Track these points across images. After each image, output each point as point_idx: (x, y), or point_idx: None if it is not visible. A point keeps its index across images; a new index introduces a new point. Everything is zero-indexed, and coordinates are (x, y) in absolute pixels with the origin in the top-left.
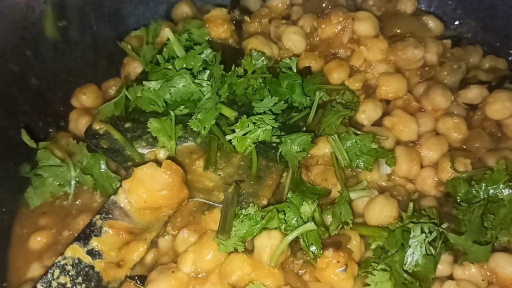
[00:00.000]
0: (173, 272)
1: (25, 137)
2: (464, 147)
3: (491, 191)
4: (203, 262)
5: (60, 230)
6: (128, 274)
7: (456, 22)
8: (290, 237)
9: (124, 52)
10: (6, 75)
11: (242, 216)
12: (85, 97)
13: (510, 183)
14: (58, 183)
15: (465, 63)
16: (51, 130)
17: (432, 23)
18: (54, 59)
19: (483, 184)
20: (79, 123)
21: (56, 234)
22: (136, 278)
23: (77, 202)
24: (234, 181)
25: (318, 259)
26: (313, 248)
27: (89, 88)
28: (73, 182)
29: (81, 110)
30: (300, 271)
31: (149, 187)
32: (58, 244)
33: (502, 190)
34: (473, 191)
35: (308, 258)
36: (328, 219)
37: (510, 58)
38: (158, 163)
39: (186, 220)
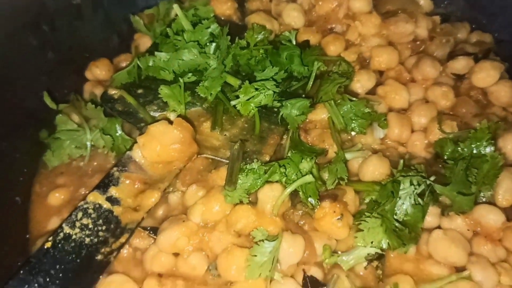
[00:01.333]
0: (183, 221)
1: (47, 99)
2: (452, 113)
3: (475, 148)
4: (211, 213)
5: (77, 188)
6: (143, 224)
7: (445, 1)
8: (290, 188)
9: (134, 29)
10: (26, 48)
11: (246, 170)
12: (98, 70)
13: (492, 141)
14: (74, 146)
15: (453, 37)
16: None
17: (423, 1)
18: (69, 34)
19: (468, 142)
20: (92, 94)
21: (73, 192)
22: (149, 228)
23: (92, 164)
24: (240, 140)
25: (316, 210)
26: (311, 199)
27: (102, 61)
28: (88, 145)
29: (94, 82)
30: (299, 222)
31: (161, 141)
32: (75, 200)
33: (485, 147)
34: (459, 149)
35: (307, 209)
36: (325, 176)
37: (495, 34)
38: (170, 122)
39: (195, 178)
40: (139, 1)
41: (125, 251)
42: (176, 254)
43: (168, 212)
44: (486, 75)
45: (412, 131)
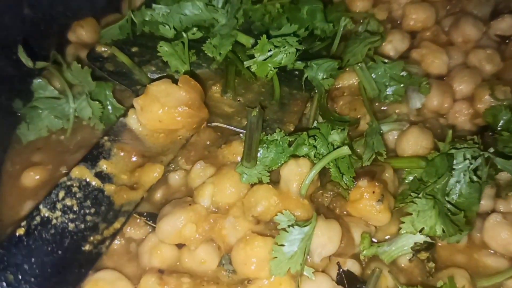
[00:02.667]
0: (190, 205)
1: (22, 55)
2: (497, 80)
3: None
4: (224, 194)
5: (57, 166)
6: (138, 209)
7: None
8: (321, 163)
9: None
10: None
11: (268, 142)
12: (83, 31)
13: None
14: (54, 116)
15: None
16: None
17: None
18: None
19: None
20: (76, 58)
21: (52, 171)
22: (145, 214)
23: (76, 138)
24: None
25: (351, 191)
26: (345, 178)
27: (88, 21)
28: (71, 116)
29: (78, 45)
30: (330, 206)
31: (165, 103)
32: (54, 180)
33: None
34: None
35: (339, 190)
36: (358, 151)
37: None
38: (174, 81)
39: (201, 154)
40: None
41: (116, 242)
42: (180, 246)
43: (168, 195)
44: None
45: (454, 100)
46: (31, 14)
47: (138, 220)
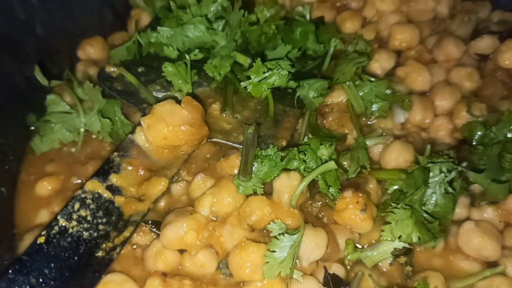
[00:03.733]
0: (191, 214)
1: (38, 74)
2: (477, 96)
3: (508, 133)
4: (222, 204)
5: (68, 176)
6: (146, 216)
7: None
8: (310, 176)
9: (129, 5)
10: (13, 21)
11: (262, 157)
12: (92, 49)
13: None
14: (66, 130)
15: (475, 16)
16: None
17: None
18: (60, 8)
19: (500, 125)
20: (85, 74)
21: (64, 181)
22: (150, 222)
23: (86, 150)
24: (254, 122)
25: (337, 201)
26: (331, 189)
27: (96, 40)
28: (82, 129)
29: (88, 62)
30: (318, 214)
31: (169, 122)
32: (67, 190)
33: None
34: (490, 134)
35: (327, 200)
36: (345, 164)
37: None
38: (177, 101)
39: (201, 167)
40: None
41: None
42: (182, 251)
43: (171, 204)
44: None
45: (435, 115)
46: (43, 33)
47: (144, 228)
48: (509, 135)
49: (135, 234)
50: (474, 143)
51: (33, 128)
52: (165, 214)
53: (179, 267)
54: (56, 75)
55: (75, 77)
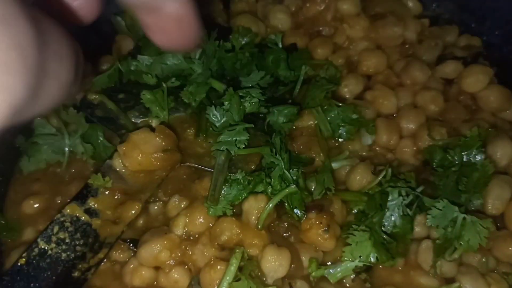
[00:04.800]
0: (165, 233)
1: None
2: (441, 119)
3: (465, 156)
4: (195, 225)
5: (53, 196)
6: (122, 236)
7: (434, 4)
8: (275, 200)
9: (115, 30)
10: None
11: (230, 181)
12: None
13: (483, 149)
14: (52, 151)
15: (442, 41)
16: None
17: (411, 3)
18: None
19: (458, 150)
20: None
21: (49, 200)
22: (129, 240)
23: (70, 171)
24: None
25: (302, 221)
26: (296, 211)
27: None
28: (67, 151)
29: None
30: (285, 234)
31: (144, 150)
32: (51, 209)
33: (475, 155)
34: (448, 157)
35: (293, 220)
36: (312, 186)
37: (484, 38)
38: (152, 129)
39: (177, 188)
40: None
41: (102, 263)
42: (157, 268)
43: (148, 223)
44: (475, 79)
45: (401, 137)
46: None
47: (122, 246)
48: (465, 159)
49: (114, 252)
50: (434, 166)
51: (21, 149)
52: (143, 232)
53: (155, 283)
54: None
55: None
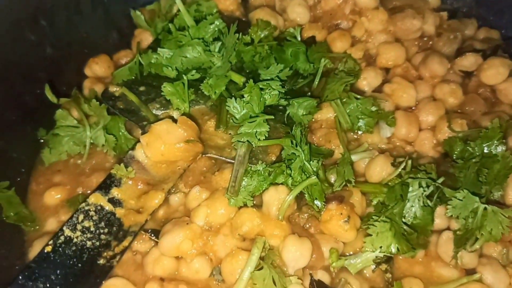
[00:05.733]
0: (187, 224)
1: (49, 93)
2: (460, 111)
3: (486, 148)
4: (216, 215)
5: (74, 187)
6: (144, 226)
7: None
8: (295, 191)
9: (134, 25)
10: (23, 43)
11: (251, 172)
12: (98, 67)
13: (504, 140)
14: (73, 143)
15: (461, 34)
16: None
17: None
18: (68, 30)
19: (478, 141)
20: (92, 91)
21: (70, 191)
22: (150, 231)
23: (91, 162)
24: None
25: (322, 212)
26: (317, 202)
27: (102, 58)
28: (88, 142)
29: (94, 79)
30: (306, 225)
31: (166, 140)
32: (73, 200)
33: (496, 147)
34: (469, 149)
35: (313, 212)
36: (332, 178)
37: (503, 31)
38: (174, 120)
39: (198, 179)
40: None
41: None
42: (178, 258)
43: (169, 214)
44: (495, 72)
45: (420, 129)
46: (53, 53)
47: (144, 236)
48: (486, 151)
49: (136, 242)
50: (454, 157)
51: (42, 140)
52: (163, 223)
53: (176, 272)
54: (65, 92)
55: (82, 93)
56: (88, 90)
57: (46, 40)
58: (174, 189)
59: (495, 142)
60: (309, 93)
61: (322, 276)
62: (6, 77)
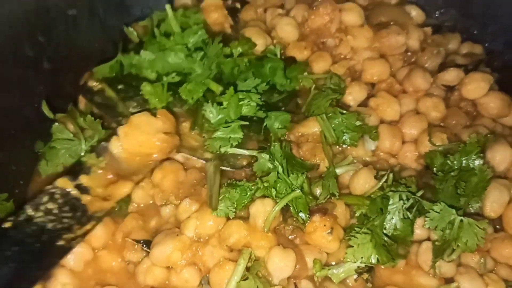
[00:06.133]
0: (177, 235)
1: (45, 108)
2: (442, 124)
3: (464, 161)
4: (205, 227)
5: None
6: (135, 235)
7: (438, 11)
8: (280, 204)
9: (129, 40)
10: (22, 58)
11: (235, 185)
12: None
13: (481, 155)
14: (68, 155)
15: (444, 48)
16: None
17: (414, 12)
18: (65, 44)
19: (457, 155)
20: (87, 104)
21: None
22: (142, 241)
23: None
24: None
25: (307, 224)
26: (301, 214)
27: None
28: (83, 155)
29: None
30: (291, 236)
31: (145, 131)
32: None
33: (474, 160)
34: (448, 162)
35: (298, 223)
36: (317, 191)
37: (486, 44)
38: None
39: (188, 192)
40: (134, 11)
41: (114, 263)
42: (169, 268)
43: (160, 225)
44: (475, 86)
45: (403, 142)
46: (50, 67)
47: (136, 246)
48: (464, 164)
49: (128, 252)
50: (435, 170)
51: (39, 153)
52: (155, 234)
53: (166, 282)
54: (62, 104)
55: (77, 106)
56: (83, 103)
57: (44, 55)
58: (165, 201)
59: (473, 156)
60: (283, 108)
61: (306, 285)
62: (6, 92)
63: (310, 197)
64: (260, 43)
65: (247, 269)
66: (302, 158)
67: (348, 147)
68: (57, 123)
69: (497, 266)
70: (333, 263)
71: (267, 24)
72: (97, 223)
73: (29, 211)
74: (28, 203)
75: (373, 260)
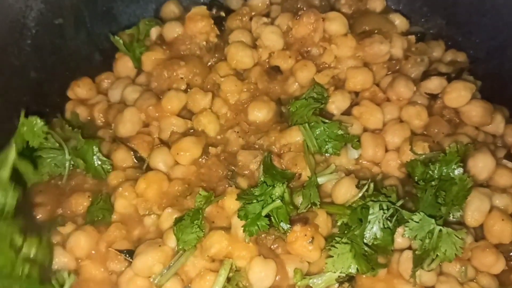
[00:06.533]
0: (159, 246)
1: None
2: (425, 132)
3: (444, 171)
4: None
5: (54, 207)
6: (118, 246)
7: (423, 19)
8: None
9: (116, 48)
10: (8, 68)
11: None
12: (80, 89)
13: (461, 164)
14: (54, 164)
15: (427, 56)
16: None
17: (398, 20)
18: (52, 53)
19: (437, 165)
20: (74, 113)
21: (51, 212)
22: (125, 251)
23: (70, 183)
24: None
25: (288, 234)
26: (282, 224)
27: (84, 81)
28: (67, 164)
29: (76, 101)
30: (272, 246)
31: None
32: (53, 220)
33: (454, 170)
34: (429, 172)
35: (279, 233)
36: (299, 200)
37: (471, 52)
38: None
39: (171, 202)
40: (121, 19)
41: (97, 273)
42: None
43: (142, 234)
44: (457, 95)
45: (387, 150)
46: (36, 76)
47: (119, 256)
48: (444, 174)
49: (112, 262)
50: (416, 179)
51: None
52: (137, 243)
53: None
54: (48, 114)
55: (64, 115)
56: (70, 112)
57: (30, 65)
58: (148, 211)
59: (453, 165)
60: None
61: None
62: None
63: (291, 207)
64: (247, 62)
65: (228, 279)
66: (284, 168)
67: (331, 156)
68: None
69: (478, 275)
70: (315, 273)
71: (253, 32)
72: None
73: None
74: None
75: (353, 270)
